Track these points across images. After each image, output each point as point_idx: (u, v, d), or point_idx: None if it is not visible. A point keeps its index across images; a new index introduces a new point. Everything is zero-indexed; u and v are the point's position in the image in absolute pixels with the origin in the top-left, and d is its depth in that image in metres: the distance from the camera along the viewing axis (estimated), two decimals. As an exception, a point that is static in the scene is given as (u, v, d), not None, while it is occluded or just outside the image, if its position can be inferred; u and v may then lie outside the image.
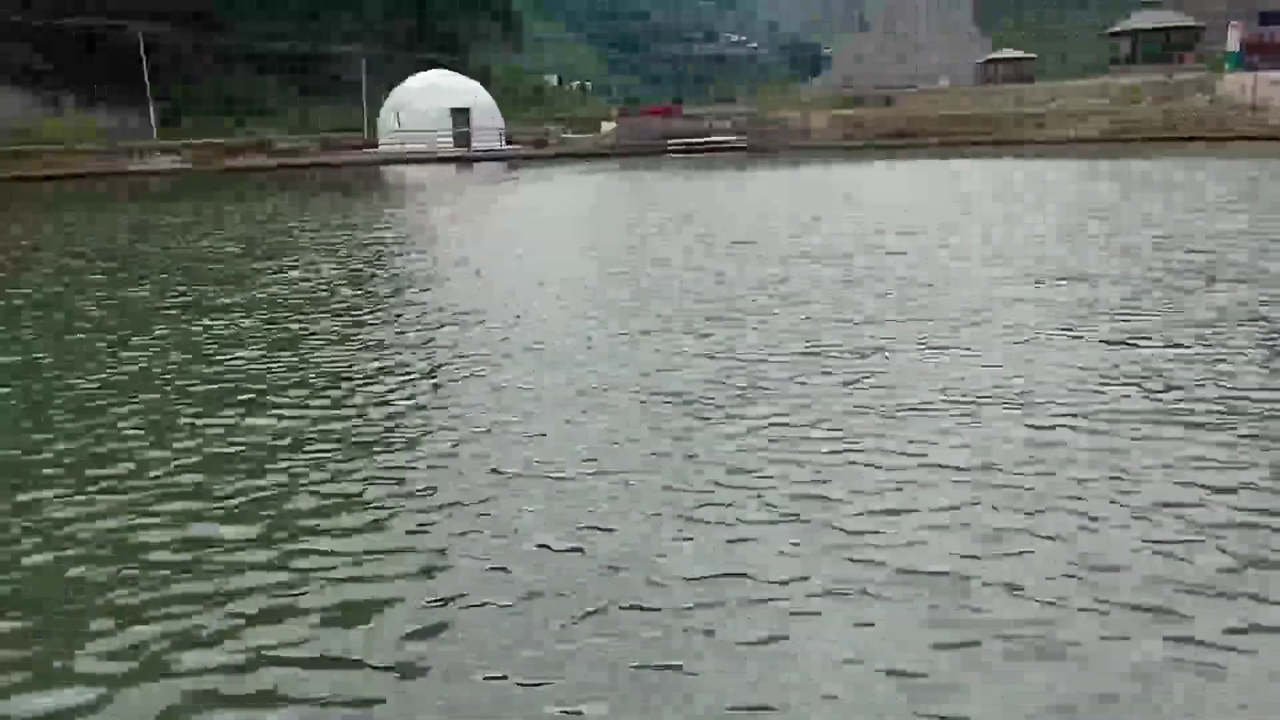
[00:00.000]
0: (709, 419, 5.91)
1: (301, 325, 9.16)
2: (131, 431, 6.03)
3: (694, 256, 12.74)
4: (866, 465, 5.12)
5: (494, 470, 5.18)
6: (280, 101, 68.20)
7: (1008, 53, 70.07)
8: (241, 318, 9.58)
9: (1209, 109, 42.53)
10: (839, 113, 54.49)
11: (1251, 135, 38.04)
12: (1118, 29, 67.75)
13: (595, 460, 5.28)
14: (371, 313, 9.75)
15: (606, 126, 56.26)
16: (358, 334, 8.73)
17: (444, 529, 4.50)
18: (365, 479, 5.12)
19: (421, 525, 4.54)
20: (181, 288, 11.60)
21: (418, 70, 55.09)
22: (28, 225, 21.19)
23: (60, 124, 53.30)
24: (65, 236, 18.32)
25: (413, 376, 7.19)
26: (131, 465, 5.42)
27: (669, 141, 50.49)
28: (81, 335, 9.06)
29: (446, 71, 55.11)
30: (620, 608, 3.71)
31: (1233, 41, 52.85)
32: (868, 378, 6.71)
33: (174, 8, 62.85)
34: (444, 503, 4.79)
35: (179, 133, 54.84)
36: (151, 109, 53.73)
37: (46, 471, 5.36)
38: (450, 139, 49.57)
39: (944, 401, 6.12)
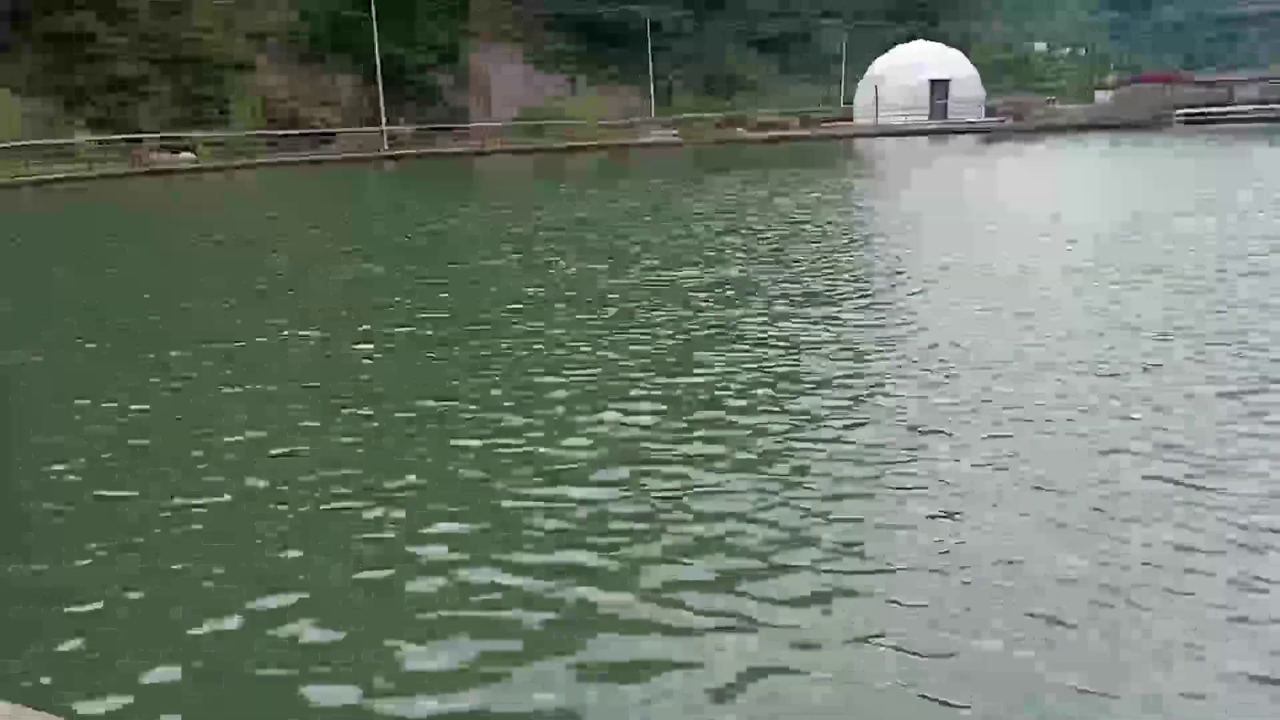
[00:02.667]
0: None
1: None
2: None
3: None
4: None
5: None
6: (765, 78, 71.26)
7: None
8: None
9: None
10: None
11: None
12: None
13: None
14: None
15: (1100, 96, 51.53)
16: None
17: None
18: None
19: None
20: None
21: (899, 43, 54.60)
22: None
23: (577, 103, 60.77)
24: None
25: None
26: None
27: (1176, 112, 45.00)
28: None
29: (927, 43, 53.99)
30: None
31: None
32: None
33: (677, -8, 68.23)
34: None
35: (671, 110, 59.88)
36: (652, 88, 59.11)
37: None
38: (926, 112, 48.65)
39: None
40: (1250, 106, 44.71)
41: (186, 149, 43.60)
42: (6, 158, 36.27)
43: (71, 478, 4.89)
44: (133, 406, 6.12)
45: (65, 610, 3.52)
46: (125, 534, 4.14)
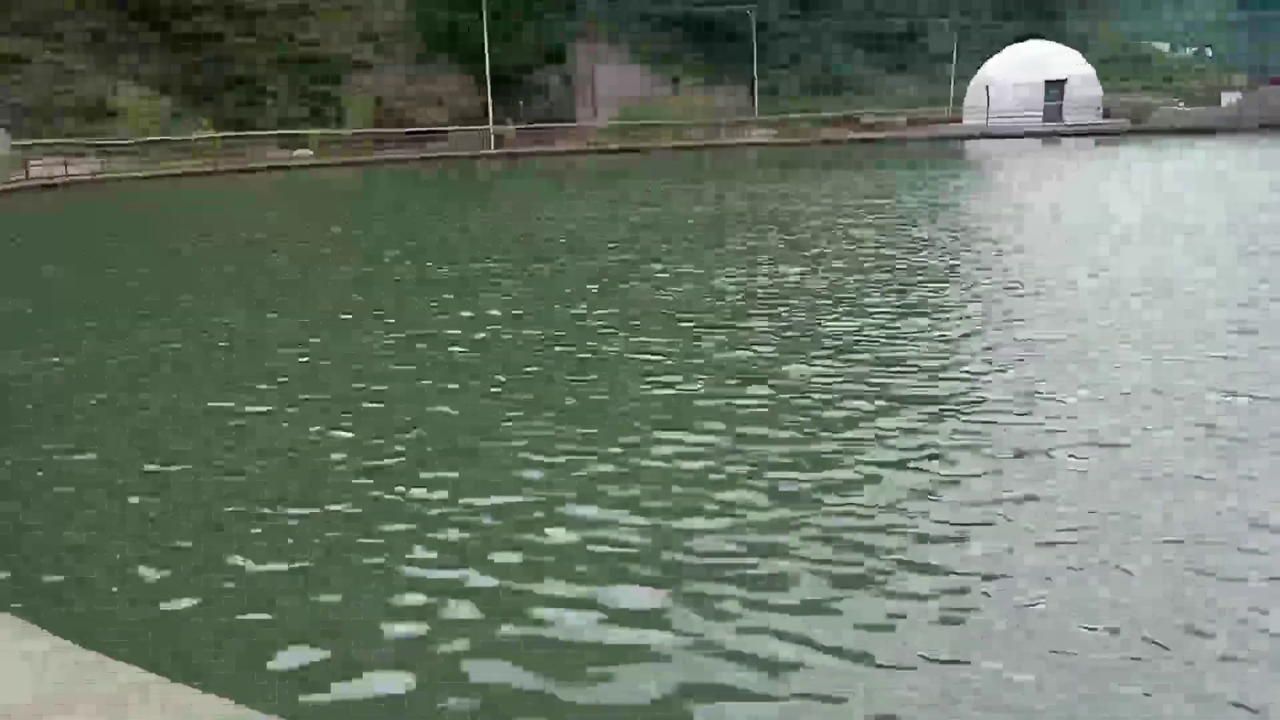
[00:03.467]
0: None
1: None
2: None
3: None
4: None
5: None
6: (871, 78, 70.25)
7: None
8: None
9: None
10: None
11: None
12: None
13: None
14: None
15: (1226, 99, 49.23)
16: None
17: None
18: None
19: None
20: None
21: (1013, 42, 53.12)
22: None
23: (677, 101, 60.90)
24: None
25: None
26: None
27: (1313, 117, 42.63)
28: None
29: (1042, 42, 52.36)
30: None
31: None
32: None
33: (783, -10, 67.76)
34: None
35: (775, 109, 59.53)
36: (755, 87, 58.86)
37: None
38: (1039, 113, 47.21)
39: None
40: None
41: (303, 146, 45.29)
42: (139, 154, 38.36)
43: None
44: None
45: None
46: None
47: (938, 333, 7.70)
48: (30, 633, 3.02)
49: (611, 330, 8.25)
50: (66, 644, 2.90)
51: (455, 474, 4.94)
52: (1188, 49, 70.79)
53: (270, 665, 3.29)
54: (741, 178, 28.23)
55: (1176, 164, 27.45)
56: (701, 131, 52.52)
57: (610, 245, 14.00)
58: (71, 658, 2.82)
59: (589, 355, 7.41)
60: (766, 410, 5.80)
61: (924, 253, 11.84)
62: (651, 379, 6.56)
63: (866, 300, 9.06)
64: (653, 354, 7.26)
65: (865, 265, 11.08)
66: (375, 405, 6.25)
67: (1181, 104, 49.88)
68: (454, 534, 4.24)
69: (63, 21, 44.39)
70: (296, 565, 4.02)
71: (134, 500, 4.76)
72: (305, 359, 7.64)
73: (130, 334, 8.94)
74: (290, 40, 50.12)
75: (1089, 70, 49.42)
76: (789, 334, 7.84)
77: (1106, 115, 47.51)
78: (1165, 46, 70.55)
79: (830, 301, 9.06)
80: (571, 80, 59.50)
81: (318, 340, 8.31)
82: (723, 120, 55.96)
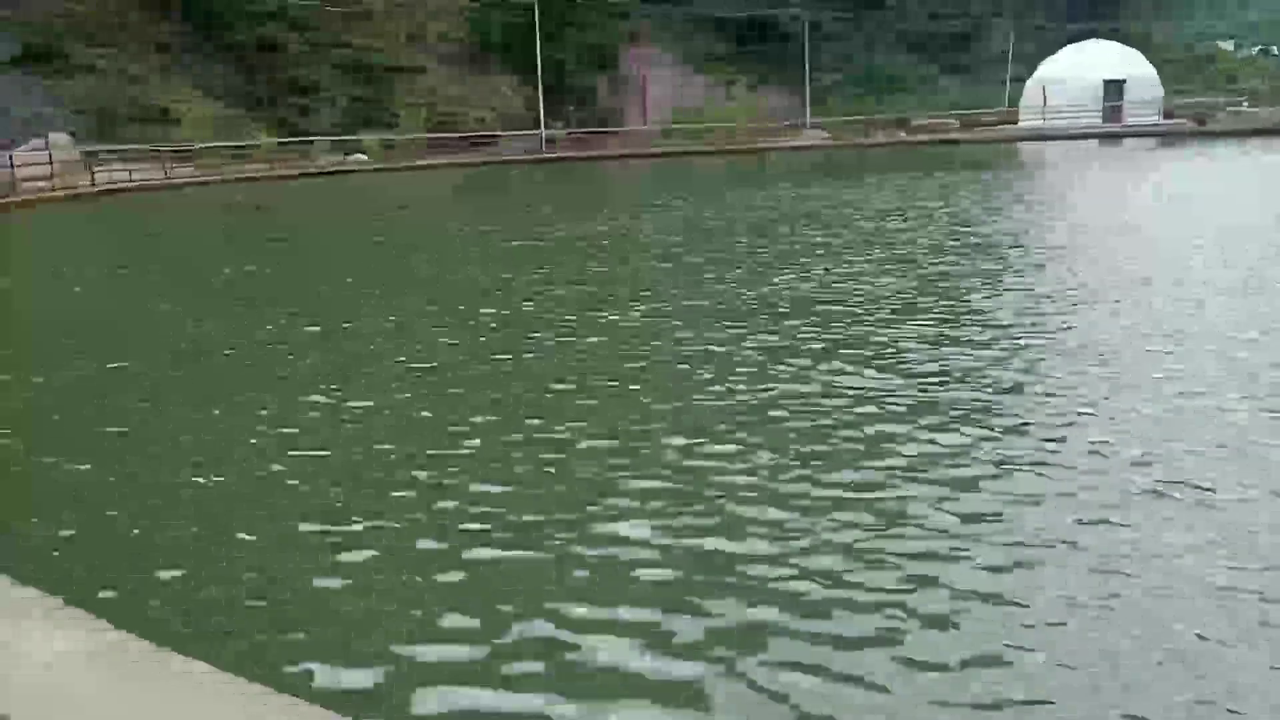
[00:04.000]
0: None
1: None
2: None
3: None
4: None
5: None
6: (923, 79, 69.54)
7: None
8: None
9: None
10: None
11: None
12: None
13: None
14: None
15: (1295, 98, 47.93)
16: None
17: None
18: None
19: None
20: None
21: (1071, 41, 52.21)
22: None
23: (730, 105, 60.75)
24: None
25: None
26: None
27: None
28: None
29: (1101, 41, 51.39)
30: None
31: None
32: None
33: (836, -9, 67.31)
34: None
35: (826, 110, 59.10)
36: (807, 89, 58.48)
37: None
38: (1098, 114, 46.34)
39: None
40: None
41: (360, 151, 45.90)
42: (201, 157, 39.17)
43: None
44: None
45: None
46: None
47: None
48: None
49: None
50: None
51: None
52: (1252, 48, 68.96)
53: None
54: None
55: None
56: (751, 135, 52.28)
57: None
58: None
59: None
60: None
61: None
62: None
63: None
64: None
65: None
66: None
67: (1246, 104, 48.61)
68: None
69: (125, 31, 45.54)
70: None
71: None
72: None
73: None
74: (345, 46, 50.87)
75: (1149, 70, 48.43)
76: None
77: (1168, 116, 46.51)
78: (1229, 45, 68.82)
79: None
80: (624, 84, 59.61)
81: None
82: (786, 122, 55.71)
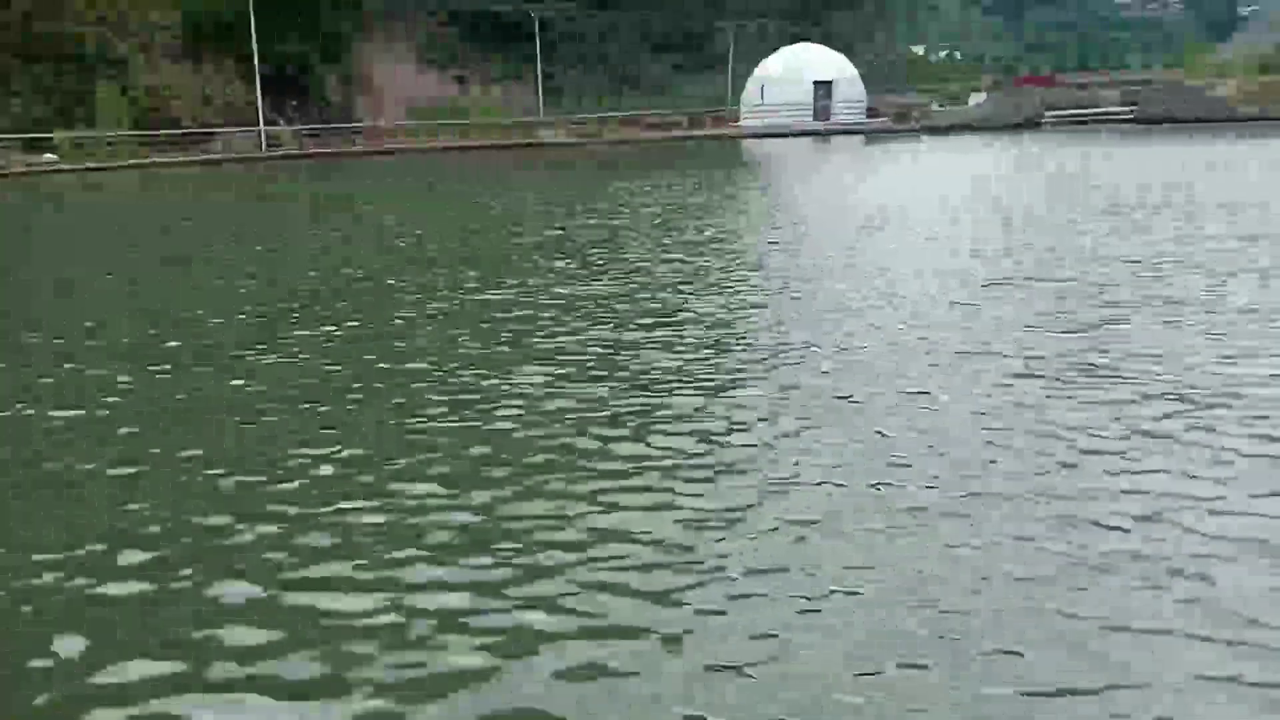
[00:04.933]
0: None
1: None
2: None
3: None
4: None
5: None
6: (659, 77, 71.83)
7: None
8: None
9: None
10: (1268, 79, 47.45)
11: None
12: None
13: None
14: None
15: (976, 98, 53.56)
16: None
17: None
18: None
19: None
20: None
21: (787, 44, 55.71)
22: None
23: (471, 101, 60.25)
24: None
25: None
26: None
27: (1047, 114, 47.13)
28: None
29: (811, 45, 55.21)
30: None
31: None
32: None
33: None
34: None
35: (562, 109, 59.85)
36: (540, 87, 58.96)
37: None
38: (810, 113, 49.73)
39: None
40: (1114, 109, 47.11)
41: (52, 150, 41.74)
42: None
43: None
44: None
45: None
46: None
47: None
48: None
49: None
50: None
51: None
52: (942, 53, 76.51)
53: None
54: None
55: (938, 158, 29.57)
56: (493, 131, 52.16)
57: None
58: None
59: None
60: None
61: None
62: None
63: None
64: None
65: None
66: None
67: (938, 104, 53.79)
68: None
69: None
70: None
71: None
72: None
73: None
74: (33, 33, 45.97)
75: (854, 73, 52.54)
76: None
77: (872, 114, 50.63)
78: (922, 50, 76.00)
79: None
80: (352, 80, 57.65)
81: None
82: (529, 119, 55.79)
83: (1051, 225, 12.62)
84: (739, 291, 8.92)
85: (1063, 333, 6.86)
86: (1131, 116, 45.19)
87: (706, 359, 6.53)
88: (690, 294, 8.84)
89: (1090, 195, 16.19)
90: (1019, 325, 7.13)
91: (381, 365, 6.78)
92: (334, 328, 8.11)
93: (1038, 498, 4.11)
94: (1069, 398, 5.40)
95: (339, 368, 6.75)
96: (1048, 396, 5.44)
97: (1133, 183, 18.02)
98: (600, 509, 4.17)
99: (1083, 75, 65.77)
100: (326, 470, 4.76)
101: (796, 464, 4.57)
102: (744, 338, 7.18)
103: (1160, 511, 3.94)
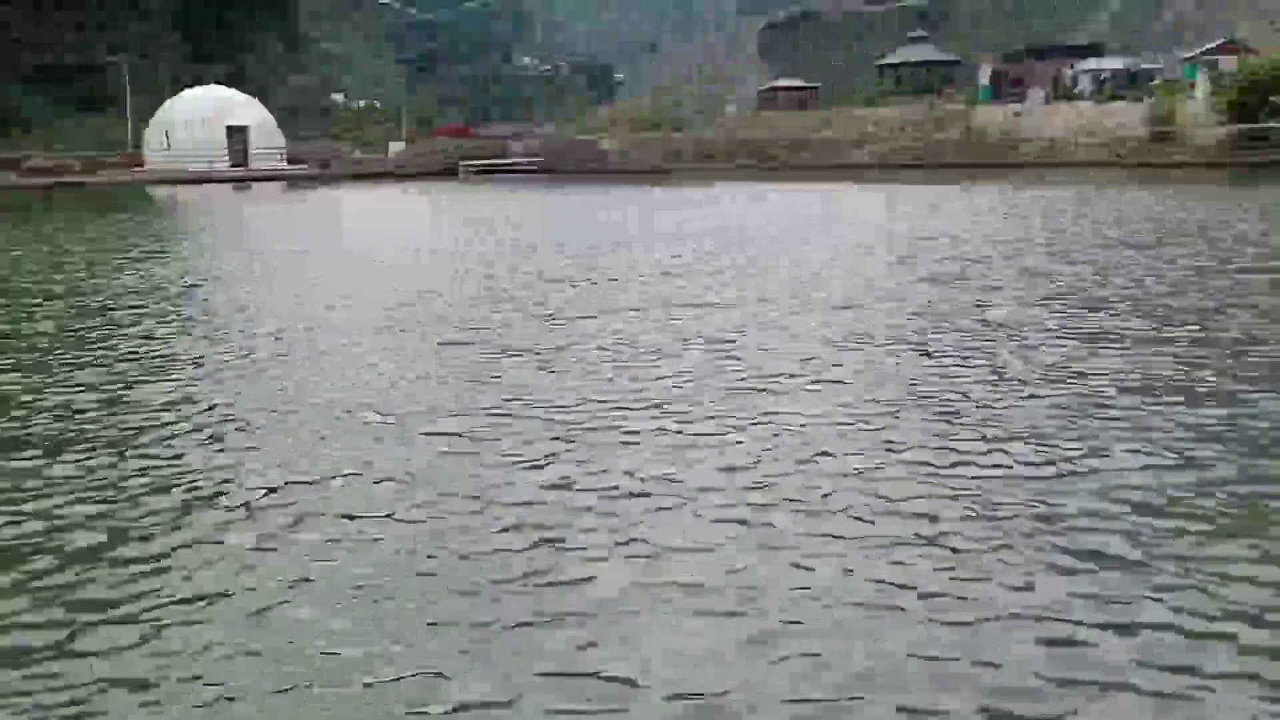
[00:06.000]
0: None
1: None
2: None
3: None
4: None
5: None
6: (42, 116, 63.04)
7: (785, 82, 73.81)
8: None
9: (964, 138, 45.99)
10: (637, 135, 55.42)
11: (1001, 163, 41.34)
12: (885, 62, 72.73)
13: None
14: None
15: (395, 147, 55.07)
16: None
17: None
18: None
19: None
20: None
21: (191, 85, 52.12)
22: None
23: None
24: None
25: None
26: None
27: (462, 163, 49.89)
28: None
29: (221, 87, 52.38)
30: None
31: (984, 76, 57.75)
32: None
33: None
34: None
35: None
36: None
37: None
38: (226, 158, 47.07)
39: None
40: (523, 159, 51.48)
41: None
42: None
43: None
44: None
45: None
46: None
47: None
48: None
49: None
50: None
51: None
52: (360, 101, 77.60)
53: None
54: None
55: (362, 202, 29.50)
56: None
57: None
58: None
59: None
60: None
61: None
62: None
63: None
64: None
65: None
66: None
67: (358, 152, 54.29)
68: None
69: None
70: None
71: None
72: None
73: None
74: None
75: (269, 118, 50.89)
76: None
77: (292, 162, 49.38)
78: (340, 97, 76.33)
79: None
80: None
81: None
82: None
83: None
84: None
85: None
86: (536, 169, 49.72)
87: None
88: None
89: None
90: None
91: None
92: None
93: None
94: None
95: None
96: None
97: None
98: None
99: (496, 127, 71.23)
100: None
101: None
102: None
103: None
